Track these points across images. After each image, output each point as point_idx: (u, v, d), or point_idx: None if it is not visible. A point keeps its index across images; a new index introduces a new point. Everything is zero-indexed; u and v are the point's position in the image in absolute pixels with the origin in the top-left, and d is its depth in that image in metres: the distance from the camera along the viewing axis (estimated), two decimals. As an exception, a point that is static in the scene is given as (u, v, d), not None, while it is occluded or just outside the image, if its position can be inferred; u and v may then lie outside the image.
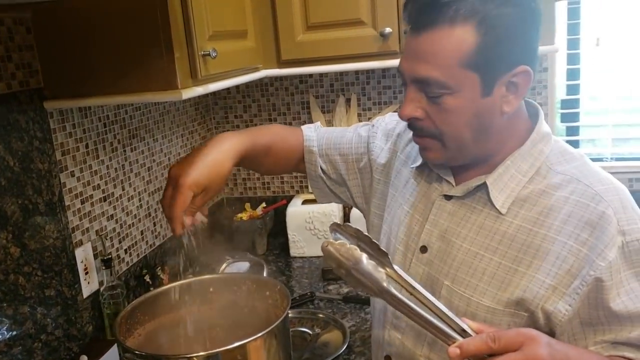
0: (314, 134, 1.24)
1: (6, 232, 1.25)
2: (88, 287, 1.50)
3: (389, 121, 1.20)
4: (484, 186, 0.94)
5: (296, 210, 2.04)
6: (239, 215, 2.12)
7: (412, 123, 0.94)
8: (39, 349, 1.33)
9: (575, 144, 2.10)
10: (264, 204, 2.13)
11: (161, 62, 1.26)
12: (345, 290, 1.78)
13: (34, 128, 1.34)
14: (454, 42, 0.85)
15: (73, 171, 1.47)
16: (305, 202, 2.10)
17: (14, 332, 1.27)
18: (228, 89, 2.19)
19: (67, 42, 1.31)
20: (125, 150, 1.69)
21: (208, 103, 2.24)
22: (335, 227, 0.86)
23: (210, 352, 0.93)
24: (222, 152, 1.05)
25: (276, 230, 2.14)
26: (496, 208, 0.93)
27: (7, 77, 1.27)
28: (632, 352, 0.87)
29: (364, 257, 0.79)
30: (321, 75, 2.11)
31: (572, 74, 2.05)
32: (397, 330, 1.04)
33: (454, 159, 0.97)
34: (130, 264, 1.70)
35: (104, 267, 1.52)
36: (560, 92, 2.05)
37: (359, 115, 2.12)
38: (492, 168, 0.94)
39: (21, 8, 1.30)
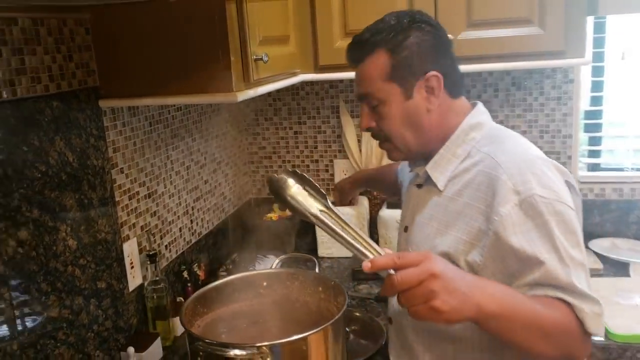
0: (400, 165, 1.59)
1: (66, 225, 1.30)
2: (133, 281, 1.55)
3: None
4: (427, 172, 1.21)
5: (326, 212, 2.08)
6: (269, 215, 2.17)
7: (372, 133, 1.22)
8: (91, 339, 1.38)
9: (597, 154, 2.16)
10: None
11: (218, 66, 1.31)
12: (376, 290, 1.83)
13: (91, 125, 1.39)
14: (374, 65, 1.15)
15: (122, 168, 1.52)
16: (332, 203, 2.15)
17: (72, 322, 1.31)
18: (259, 92, 2.24)
19: (123, 44, 1.37)
20: (167, 149, 1.74)
21: (240, 106, 2.29)
22: (284, 171, 1.05)
23: (277, 342, 0.99)
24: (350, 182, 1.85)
25: (303, 231, 2.19)
26: (437, 187, 1.17)
27: (69, 77, 1.32)
28: (542, 290, 1.00)
29: (297, 188, 1.01)
30: (351, 80, 2.15)
31: (597, 86, 2.11)
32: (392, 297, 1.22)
33: (411, 156, 1.23)
34: (170, 260, 1.75)
35: (149, 262, 1.57)
36: (584, 104, 2.11)
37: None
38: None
39: (82, 10, 1.35)
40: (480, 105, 1.22)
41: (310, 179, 1.04)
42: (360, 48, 1.18)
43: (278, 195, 1.04)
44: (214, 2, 1.27)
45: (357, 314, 1.65)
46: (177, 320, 1.64)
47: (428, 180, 1.21)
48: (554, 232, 1.01)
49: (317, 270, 1.35)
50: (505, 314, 0.94)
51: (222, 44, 1.30)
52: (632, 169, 2.12)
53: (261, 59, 1.38)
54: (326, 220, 0.99)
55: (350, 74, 1.77)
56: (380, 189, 1.70)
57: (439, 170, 1.18)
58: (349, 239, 0.96)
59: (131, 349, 1.44)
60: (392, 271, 0.89)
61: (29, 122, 1.20)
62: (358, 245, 0.95)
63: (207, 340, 1.00)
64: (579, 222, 1.08)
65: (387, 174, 1.70)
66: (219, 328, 1.19)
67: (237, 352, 0.95)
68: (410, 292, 0.88)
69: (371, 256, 0.93)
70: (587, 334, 1.00)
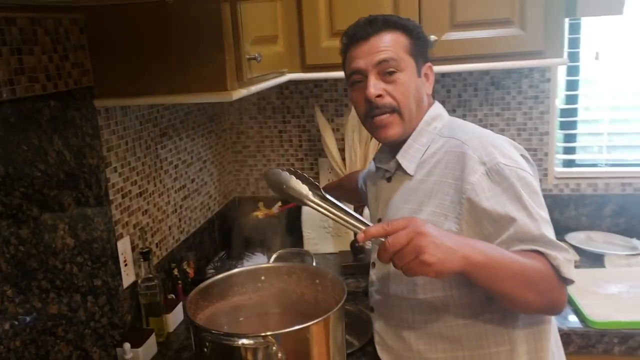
0: (362, 173, 1.70)
1: (64, 223, 1.31)
2: (127, 278, 1.57)
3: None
4: (398, 161, 1.30)
5: (312, 210, 2.12)
6: (255, 213, 2.19)
7: (376, 102, 1.24)
8: (88, 335, 1.40)
9: (571, 150, 2.24)
10: (279, 203, 2.20)
11: (213, 65, 1.34)
12: (363, 284, 1.87)
13: (86, 125, 1.40)
14: (397, 39, 1.25)
15: (115, 167, 1.53)
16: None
17: (71, 319, 1.33)
18: (243, 91, 2.27)
19: (118, 44, 1.39)
20: (156, 148, 1.75)
21: (224, 105, 2.31)
22: (279, 167, 1.14)
23: (282, 331, 1.03)
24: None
25: (290, 228, 2.22)
26: (408, 173, 1.27)
27: (65, 76, 1.33)
28: (517, 245, 1.08)
29: (292, 178, 1.12)
30: (335, 80, 2.21)
31: (572, 85, 2.19)
32: (371, 285, 1.36)
33: (405, 134, 1.28)
34: (160, 258, 1.77)
35: (142, 260, 1.58)
36: (560, 102, 2.19)
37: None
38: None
39: (77, 10, 1.36)
40: (437, 102, 1.35)
41: (303, 174, 1.13)
42: (375, 25, 1.26)
43: (275, 185, 1.14)
44: (210, 3, 1.30)
45: (347, 307, 1.69)
46: (170, 316, 1.67)
47: (398, 170, 1.30)
48: (521, 192, 1.11)
49: (313, 263, 1.39)
50: (490, 263, 1.02)
51: (217, 44, 1.33)
52: (605, 164, 2.21)
53: (254, 58, 1.41)
54: (321, 202, 1.10)
55: (337, 74, 1.85)
56: (344, 197, 1.75)
57: (407, 158, 1.27)
58: (341, 214, 1.07)
59: (127, 345, 1.46)
60: (382, 239, 0.98)
61: (29, 121, 1.21)
62: (352, 220, 1.05)
63: (214, 331, 1.03)
64: (538, 185, 1.18)
65: (349, 182, 1.79)
66: (220, 320, 1.22)
67: (244, 341, 0.98)
68: (401, 252, 0.96)
69: (363, 228, 1.02)
70: (562, 280, 1.09)
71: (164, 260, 1.78)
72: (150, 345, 1.54)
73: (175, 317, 1.70)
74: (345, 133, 2.18)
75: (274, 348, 1.00)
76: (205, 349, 1.04)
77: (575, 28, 2.11)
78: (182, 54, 1.35)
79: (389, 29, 1.25)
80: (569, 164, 2.23)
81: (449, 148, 1.22)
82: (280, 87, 2.27)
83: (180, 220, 1.92)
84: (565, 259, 1.08)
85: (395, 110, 1.25)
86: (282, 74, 1.78)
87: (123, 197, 1.56)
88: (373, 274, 1.36)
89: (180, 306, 1.73)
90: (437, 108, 1.32)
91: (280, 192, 1.15)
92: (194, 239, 2.01)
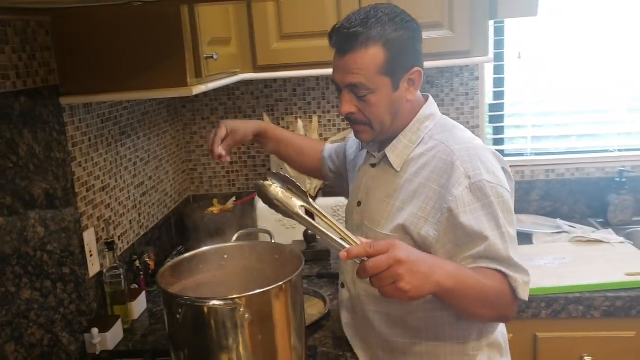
0: (330, 146, 1.72)
1: (34, 212, 1.39)
2: (92, 268, 1.65)
3: (351, 136, 1.59)
4: (385, 154, 1.33)
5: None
6: (210, 209, 2.30)
7: (349, 117, 1.30)
8: (59, 321, 1.47)
9: (500, 142, 2.46)
10: (234, 198, 2.32)
11: (174, 63, 1.45)
12: (315, 270, 2.01)
13: (53, 121, 1.49)
14: (370, 58, 1.22)
15: (80, 162, 1.62)
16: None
17: (42, 304, 1.40)
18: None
19: (82, 44, 1.47)
20: (117, 145, 1.84)
21: (177, 106, 2.41)
22: (269, 174, 1.17)
23: (248, 294, 1.14)
24: (253, 121, 1.69)
25: (245, 223, 2.33)
26: (394, 168, 1.31)
27: (33, 74, 1.42)
28: (484, 262, 1.18)
29: (280, 192, 1.13)
30: (285, 80, 2.34)
31: (498, 82, 2.40)
32: (345, 264, 1.43)
33: (379, 137, 1.33)
34: (123, 250, 1.85)
35: (106, 250, 1.67)
36: (488, 98, 2.40)
37: (320, 123, 2.36)
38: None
39: (42, 13, 1.45)
40: (431, 98, 1.37)
41: (292, 178, 1.14)
42: (354, 39, 1.22)
43: (266, 199, 1.14)
44: (170, 6, 1.41)
45: (303, 286, 1.82)
46: (134, 304, 1.75)
47: (383, 161, 1.34)
48: (497, 212, 1.18)
49: (272, 241, 1.51)
50: (458, 287, 1.11)
51: (177, 43, 1.44)
52: (531, 154, 2.43)
53: (212, 57, 1.53)
54: (307, 219, 1.11)
55: (286, 74, 2.00)
56: (288, 158, 1.72)
57: (396, 153, 1.31)
58: (327, 232, 1.07)
59: (95, 330, 1.54)
60: (365, 258, 1.04)
61: (1, 116, 1.29)
62: (335, 237, 1.07)
63: (186, 297, 1.14)
64: (512, 202, 1.26)
65: (307, 152, 1.71)
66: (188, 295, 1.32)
67: (215, 302, 1.10)
68: (380, 275, 1.02)
69: (347, 246, 1.06)
70: (516, 299, 1.20)
71: (125, 252, 1.87)
72: (117, 330, 1.62)
73: (138, 306, 1.78)
74: None
75: (242, 309, 1.12)
76: (178, 315, 1.14)
77: (499, 30, 2.33)
78: (144, 53, 1.45)
79: (364, 46, 1.21)
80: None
81: (438, 153, 1.26)
82: (231, 88, 2.39)
83: (140, 215, 2.00)
84: (523, 282, 1.19)
85: (366, 124, 1.29)
86: (236, 73, 1.91)
87: (87, 191, 1.65)
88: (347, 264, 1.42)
89: (143, 295, 1.82)
90: (431, 107, 1.34)
91: (271, 206, 1.15)
92: (153, 234, 2.10)
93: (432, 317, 1.29)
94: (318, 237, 2.17)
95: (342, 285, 1.48)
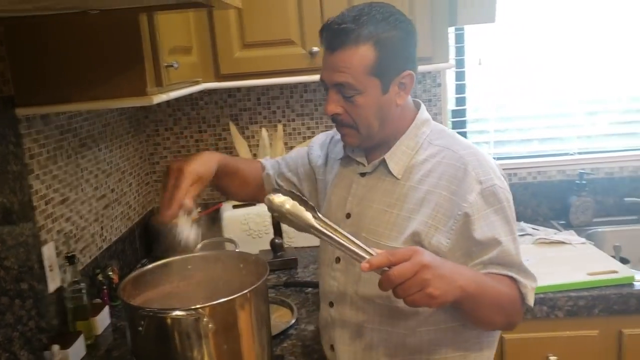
0: (269, 162, 1.56)
1: (-10, 227, 1.35)
2: (53, 283, 1.60)
3: (321, 136, 1.54)
4: (384, 161, 1.27)
5: (233, 214, 2.22)
6: (175, 220, 2.26)
7: (334, 117, 1.25)
8: (17, 338, 1.43)
9: (464, 147, 2.48)
10: (199, 209, 2.28)
11: (133, 72, 1.43)
12: (282, 279, 2.00)
13: (9, 133, 1.45)
14: (360, 57, 1.17)
15: (38, 174, 1.58)
16: (235, 206, 2.29)
17: None
18: (158, 103, 2.34)
19: (38, 54, 1.44)
20: (77, 158, 1.81)
21: (139, 117, 2.38)
22: (276, 190, 1.13)
23: (211, 303, 1.13)
24: (209, 156, 1.37)
25: (211, 233, 2.31)
26: (394, 175, 1.25)
27: (-14, 85, 1.38)
28: (495, 268, 1.16)
29: (294, 203, 1.08)
30: (249, 89, 2.34)
31: (460, 89, 2.44)
32: (334, 280, 1.33)
33: (366, 142, 1.27)
34: (85, 264, 1.81)
35: (67, 264, 1.63)
36: (450, 104, 2.43)
37: (285, 132, 2.36)
38: (390, 148, 1.27)
39: (-5, 23, 1.42)
40: (422, 104, 1.33)
41: (298, 193, 1.12)
42: (344, 36, 1.17)
43: (279, 214, 1.10)
44: (128, 14, 1.39)
45: (270, 295, 1.81)
46: (97, 319, 1.71)
47: (379, 169, 1.28)
48: (509, 216, 1.17)
49: (236, 249, 1.50)
50: (479, 292, 1.09)
51: (136, 52, 1.42)
52: (493, 158, 2.46)
53: (172, 65, 1.52)
54: (323, 230, 1.06)
55: (249, 82, 1.99)
56: (232, 191, 1.51)
57: (395, 160, 1.25)
58: (344, 243, 1.04)
59: (56, 347, 1.49)
60: (386, 268, 1.00)
61: (-47, 127, 1.26)
62: (353, 248, 1.03)
63: (148, 308, 1.12)
64: None
65: (249, 178, 1.51)
66: (152, 307, 1.30)
67: (178, 312, 1.08)
68: (405, 284, 0.98)
69: (366, 257, 1.01)
70: (524, 305, 1.18)
71: (88, 266, 1.83)
72: (79, 346, 1.58)
73: (102, 321, 1.74)
74: (257, 153, 2.27)
75: (205, 319, 1.10)
76: (141, 328, 1.12)
77: (460, 37, 2.37)
78: (103, 62, 1.43)
79: (355, 44, 1.16)
80: (462, 159, 2.47)
81: (444, 159, 1.21)
82: (194, 98, 2.37)
83: (102, 228, 1.96)
84: (531, 288, 1.17)
85: (353, 127, 1.24)
86: (198, 82, 1.89)
87: (46, 204, 1.61)
88: (338, 271, 1.33)
89: (106, 310, 1.78)
90: (425, 112, 1.31)
91: (284, 220, 1.11)
92: (117, 247, 2.06)
93: (435, 330, 1.23)
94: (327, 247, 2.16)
95: (331, 305, 1.35)
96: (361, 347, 1.29)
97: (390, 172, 1.25)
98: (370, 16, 1.17)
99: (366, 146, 1.30)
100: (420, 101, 1.33)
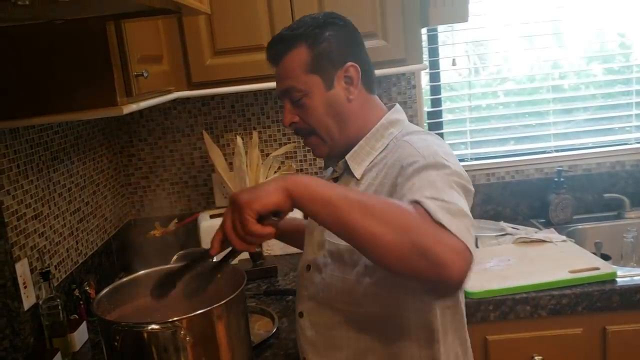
0: None
1: (-42, 245, 1.31)
2: (27, 300, 1.57)
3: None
4: (346, 162, 1.26)
5: (210, 224, 2.19)
6: (152, 232, 2.23)
7: (295, 129, 1.27)
8: (-10, 359, 1.39)
9: (442, 148, 2.48)
10: (176, 220, 2.26)
11: (102, 82, 1.40)
12: (263, 287, 1.98)
13: (-25, 148, 1.41)
14: (295, 59, 1.21)
15: (9, 190, 1.54)
16: (212, 216, 2.27)
17: (-29, 341, 1.32)
18: (131, 114, 2.32)
19: (3, 67, 1.40)
20: (49, 171, 1.77)
21: (112, 128, 2.35)
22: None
23: (188, 315, 1.11)
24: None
25: (187, 243, 2.27)
26: (355, 177, 1.24)
27: (-50, 100, 1.34)
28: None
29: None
30: (222, 97, 2.31)
31: (435, 90, 2.44)
32: (305, 289, 1.32)
33: (335, 148, 1.27)
34: (60, 280, 1.77)
35: (42, 280, 1.59)
36: (426, 106, 2.43)
37: (261, 139, 2.34)
38: None
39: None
40: (398, 105, 1.31)
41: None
42: (279, 45, 1.23)
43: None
44: (95, 23, 1.37)
45: (251, 304, 1.79)
46: (74, 336, 1.67)
47: (346, 171, 1.27)
48: (448, 177, 1.03)
49: (214, 260, 1.47)
50: (337, 196, 0.94)
51: (104, 62, 1.39)
52: (471, 159, 2.47)
53: (142, 74, 1.49)
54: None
55: (223, 90, 1.97)
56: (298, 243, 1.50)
57: (357, 160, 1.25)
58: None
59: (32, 366, 1.46)
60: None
61: None
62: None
63: (123, 323, 1.09)
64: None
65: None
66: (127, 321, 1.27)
67: (154, 326, 1.05)
68: (234, 228, 0.96)
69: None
70: (437, 224, 0.92)
71: (64, 282, 1.79)
72: (56, 364, 1.55)
73: (80, 337, 1.70)
74: (233, 161, 2.21)
75: (182, 332, 1.08)
76: (116, 343, 1.09)
77: (433, 38, 2.37)
78: (71, 73, 1.39)
79: (289, 48, 1.21)
80: (440, 160, 2.47)
81: (398, 149, 1.18)
82: (167, 108, 2.34)
83: (77, 242, 1.92)
84: (439, 207, 0.94)
85: (313, 133, 1.25)
86: (170, 91, 1.86)
87: (18, 220, 1.57)
88: (307, 279, 1.31)
89: (84, 325, 1.74)
90: (397, 113, 1.29)
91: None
92: (93, 261, 2.02)
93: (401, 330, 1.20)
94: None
95: (301, 315, 1.34)
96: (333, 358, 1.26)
97: (353, 174, 1.25)
98: (302, 22, 1.24)
99: (338, 152, 1.28)
100: (397, 104, 1.32)
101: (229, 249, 1.05)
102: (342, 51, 1.22)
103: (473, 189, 1.12)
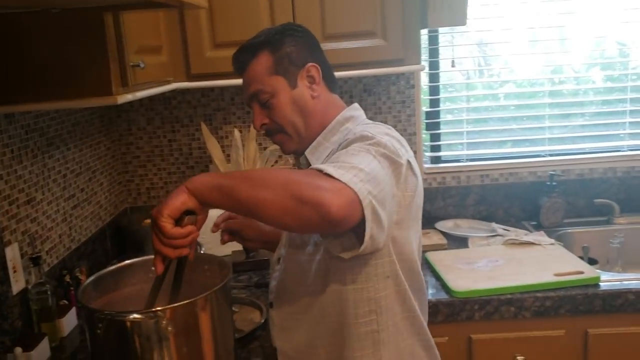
0: None
1: (-51, 228, 1.33)
2: (16, 285, 1.58)
3: None
4: (306, 157, 1.33)
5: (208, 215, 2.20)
6: (147, 220, 2.24)
7: (266, 129, 1.34)
8: (-22, 341, 1.41)
9: (437, 148, 2.49)
10: (170, 209, 2.27)
11: (98, 72, 1.41)
12: (255, 279, 1.99)
13: (-30, 132, 1.43)
14: (260, 64, 1.29)
15: (1, 174, 1.56)
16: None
17: (-41, 322, 1.34)
18: (131, 103, 2.33)
19: (2, 54, 1.42)
20: (44, 157, 1.78)
21: (112, 116, 2.36)
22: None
23: (170, 305, 1.12)
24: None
25: (182, 233, 2.29)
26: None
27: (-53, 84, 1.36)
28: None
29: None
30: (222, 89, 2.33)
31: (434, 90, 2.44)
32: (274, 280, 1.40)
33: (302, 143, 1.33)
34: (51, 265, 1.79)
35: (32, 265, 1.61)
36: (425, 106, 2.44)
37: (259, 132, 2.33)
38: None
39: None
40: (356, 104, 1.39)
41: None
42: (244, 54, 1.32)
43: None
44: (93, 13, 1.38)
45: (241, 296, 1.81)
46: (63, 321, 1.69)
47: (308, 166, 1.31)
48: (365, 147, 1.12)
49: (201, 251, 1.49)
50: (215, 183, 1.06)
51: (101, 52, 1.40)
52: (466, 159, 2.48)
53: (138, 65, 1.50)
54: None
55: (222, 82, 1.98)
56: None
57: (316, 155, 1.31)
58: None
59: (18, 349, 1.48)
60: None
61: None
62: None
63: (106, 311, 1.11)
64: (420, 201, 1.27)
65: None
66: (113, 309, 1.28)
67: (136, 315, 1.07)
68: (160, 240, 1.07)
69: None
70: (329, 177, 1.02)
71: (55, 267, 1.80)
72: (43, 348, 1.56)
73: (68, 322, 1.72)
74: (230, 154, 2.25)
75: (164, 322, 1.09)
76: (99, 331, 1.11)
77: (434, 39, 2.37)
78: (67, 61, 1.40)
79: (253, 56, 1.29)
80: (435, 160, 2.48)
81: (351, 136, 1.23)
82: (167, 98, 2.35)
83: (70, 229, 1.94)
84: (331, 166, 1.05)
85: (281, 131, 1.32)
86: (168, 82, 1.87)
87: (10, 204, 1.59)
88: (277, 271, 1.40)
89: (73, 311, 1.76)
90: (353, 110, 1.36)
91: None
92: (86, 248, 2.04)
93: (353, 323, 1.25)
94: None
95: (271, 305, 1.41)
96: (299, 345, 1.34)
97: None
98: (263, 32, 1.33)
99: (304, 149, 1.34)
100: (356, 103, 1.39)
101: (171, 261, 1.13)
102: (302, 53, 1.31)
103: (402, 162, 1.17)
